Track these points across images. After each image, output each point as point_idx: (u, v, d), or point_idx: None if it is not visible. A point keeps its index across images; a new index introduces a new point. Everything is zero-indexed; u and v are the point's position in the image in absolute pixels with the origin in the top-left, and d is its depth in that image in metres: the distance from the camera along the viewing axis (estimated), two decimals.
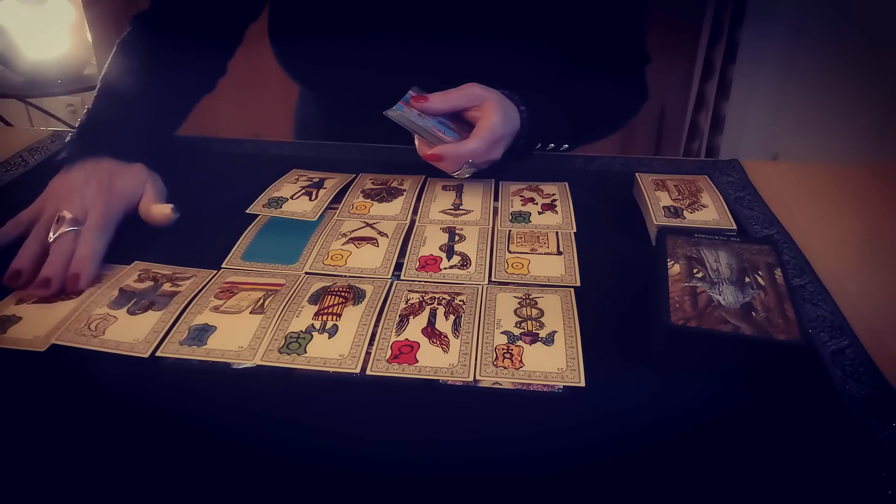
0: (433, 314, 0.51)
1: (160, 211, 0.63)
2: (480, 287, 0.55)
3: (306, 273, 0.57)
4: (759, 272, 0.51)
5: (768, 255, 0.53)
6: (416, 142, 0.68)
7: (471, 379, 0.45)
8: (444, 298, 0.53)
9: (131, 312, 0.52)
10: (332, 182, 0.73)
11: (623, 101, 0.86)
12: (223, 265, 0.59)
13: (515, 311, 0.52)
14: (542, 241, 0.62)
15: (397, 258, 0.59)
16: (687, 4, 1.53)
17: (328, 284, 0.55)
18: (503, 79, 0.70)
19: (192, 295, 0.54)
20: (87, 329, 0.50)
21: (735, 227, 0.62)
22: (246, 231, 0.64)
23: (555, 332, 0.49)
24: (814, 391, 0.45)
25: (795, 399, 0.44)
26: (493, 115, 0.65)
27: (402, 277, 0.57)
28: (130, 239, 0.62)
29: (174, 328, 0.50)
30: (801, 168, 0.78)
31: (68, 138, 0.78)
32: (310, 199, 0.69)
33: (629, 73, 0.84)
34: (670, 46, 1.52)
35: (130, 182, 0.65)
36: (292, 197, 0.70)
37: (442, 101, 0.67)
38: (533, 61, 0.79)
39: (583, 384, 0.45)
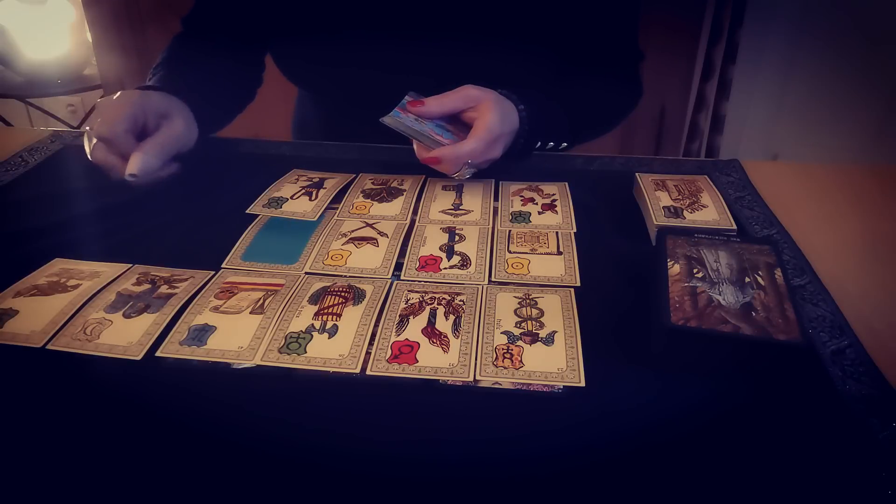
0: (433, 314, 0.51)
1: (134, 160, 0.62)
2: (480, 287, 0.55)
3: (306, 273, 0.57)
4: (759, 272, 0.51)
5: (768, 255, 0.53)
6: (415, 146, 0.68)
7: (471, 379, 0.45)
8: (444, 298, 0.53)
9: (127, 316, 0.51)
10: (332, 182, 0.73)
11: (619, 99, 0.86)
12: (223, 265, 0.59)
13: (515, 311, 0.52)
14: (542, 241, 0.62)
15: (397, 258, 0.59)
16: (687, 4, 1.53)
17: (328, 284, 0.55)
18: (499, 79, 0.70)
19: (189, 296, 0.54)
20: (83, 334, 0.49)
21: (735, 227, 0.62)
22: (246, 231, 0.64)
23: (555, 332, 0.49)
24: (814, 391, 0.45)
25: (795, 399, 0.44)
26: (490, 115, 0.65)
27: (402, 277, 0.57)
28: (130, 238, 0.62)
29: (174, 328, 0.50)
30: (801, 168, 0.78)
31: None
32: (310, 199, 0.69)
33: (623, 70, 0.84)
34: (670, 46, 1.52)
35: (158, 100, 0.67)
36: (292, 197, 0.70)
37: (438, 104, 0.66)
38: (528, 61, 0.79)
39: (583, 384, 0.45)
